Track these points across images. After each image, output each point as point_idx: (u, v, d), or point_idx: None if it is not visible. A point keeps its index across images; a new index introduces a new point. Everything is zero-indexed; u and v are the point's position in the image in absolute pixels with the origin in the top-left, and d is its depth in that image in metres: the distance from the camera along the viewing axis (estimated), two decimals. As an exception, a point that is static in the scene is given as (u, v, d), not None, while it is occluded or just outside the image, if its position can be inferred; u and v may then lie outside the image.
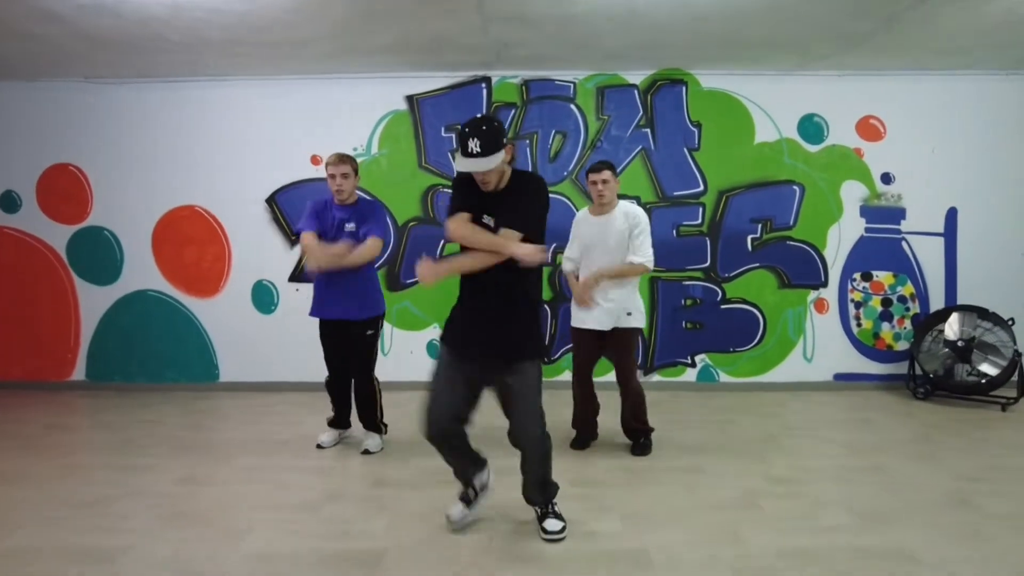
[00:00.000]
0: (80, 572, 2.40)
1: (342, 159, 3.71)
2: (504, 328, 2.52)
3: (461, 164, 2.39)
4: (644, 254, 3.65)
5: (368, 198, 3.94)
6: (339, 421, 4.06)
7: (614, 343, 3.73)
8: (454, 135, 5.40)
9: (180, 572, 2.41)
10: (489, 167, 2.36)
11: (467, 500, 2.83)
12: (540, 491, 2.78)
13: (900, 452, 3.78)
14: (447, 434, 2.62)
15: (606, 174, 3.68)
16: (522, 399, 2.57)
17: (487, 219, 2.49)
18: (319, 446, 3.94)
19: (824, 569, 2.38)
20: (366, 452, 3.83)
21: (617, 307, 3.67)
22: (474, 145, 2.34)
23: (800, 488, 3.20)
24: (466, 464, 2.79)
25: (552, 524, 2.71)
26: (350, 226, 3.70)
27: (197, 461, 3.68)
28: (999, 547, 2.54)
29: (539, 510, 2.80)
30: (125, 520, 2.86)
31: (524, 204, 2.49)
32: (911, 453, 3.75)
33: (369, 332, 3.81)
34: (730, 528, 2.73)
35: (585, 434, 3.97)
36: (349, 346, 3.81)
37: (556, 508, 2.79)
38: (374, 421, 3.93)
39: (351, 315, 3.73)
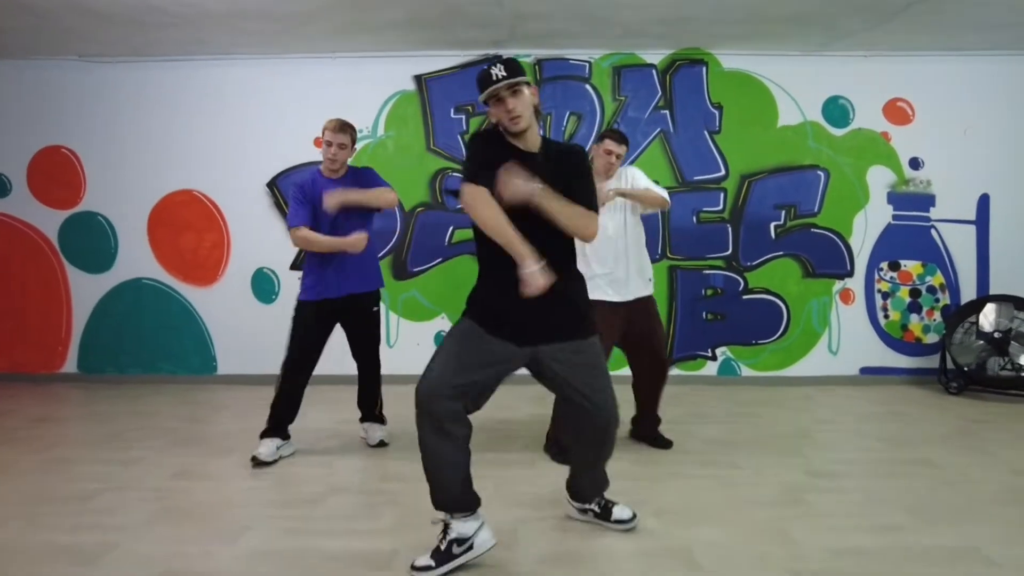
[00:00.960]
0: (67, 573, 2.15)
1: (343, 127, 3.38)
2: (566, 306, 2.24)
3: (487, 96, 2.10)
4: (661, 191, 3.44)
5: (357, 167, 3.59)
6: (281, 427, 3.40)
7: (640, 314, 3.41)
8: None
9: (169, 571, 2.16)
10: (519, 88, 2.09)
11: (438, 551, 2.18)
12: (594, 485, 2.52)
13: (945, 446, 3.53)
14: (444, 411, 2.13)
15: (624, 148, 3.43)
16: (602, 372, 2.31)
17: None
18: (257, 460, 3.24)
19: (890, 570, 2.13)
20: (382, 444, 3.57)
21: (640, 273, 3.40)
22: (498, 71, 2.09)
23: (845, 483, 2.96)
24: (451, 477, 2.21)
25: (622, 512, 2.49)
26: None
27: (191, 454, 3.44)
28: (1077, 546, 2.29)
29: (596, 504, 2.53)
30: (111, 516, 2.61)
31: (588, 183, 2.23)
32: (957, 447, 3.51)
33: (375, 308, 3.54)
34: (776, 526, 2.49)
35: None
36: (353, 328, 3.52)
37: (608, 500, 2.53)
38: (378, 412, 3.68)
39: (356, 288, 3.38)
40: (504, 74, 2.09)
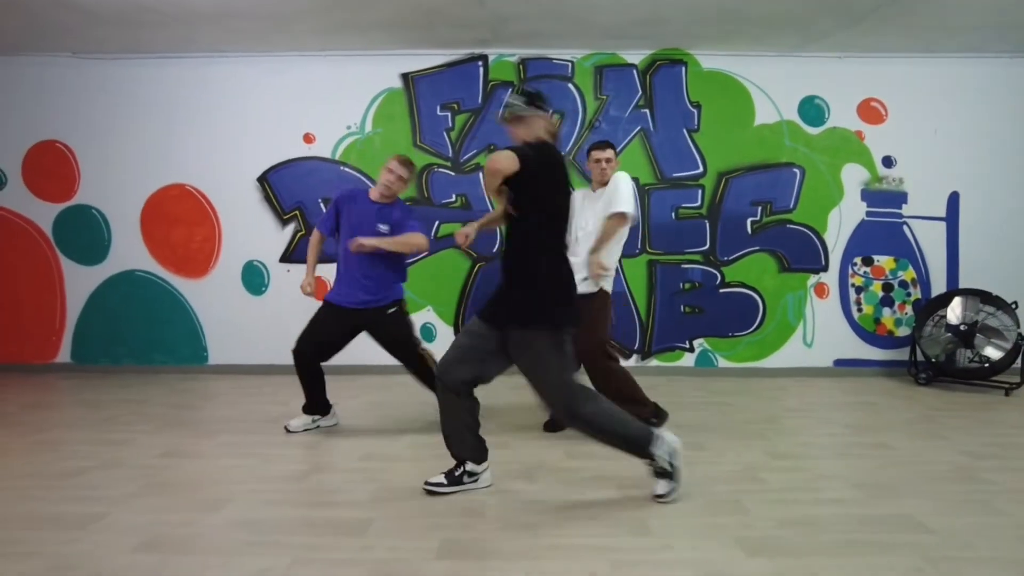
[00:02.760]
0: (49, 538, 2.28)
1: (408, 163, 3.63)
2: (510, 292, 2.60)
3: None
4: (618, 204, 3.42)
5: (405, 203, 3.76)
6: (313, 405, 3.73)
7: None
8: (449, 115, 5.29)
9: (152, 537, 2.29)
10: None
11: (451, 475, 2.72)
12: (631, 451, 2.59)
13: (904, 431, 3.68)
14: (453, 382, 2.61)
15: (609, 152, 3.61)
16: (539, 368, 2.54)
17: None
18: (287, 429, 3.67)
19: (830, 537, 2.28)
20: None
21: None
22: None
23: (802, 463, 3.10)
24: (463, 433, 2.70)
25: (658, 486, 2.60)
26: (383, 228, 3.56)
27: (179, 436, 3.57)
28: (1012, 520, 2.43)
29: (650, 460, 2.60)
30: (98, 490, 2.74)
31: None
32: (915, 432, 3.65)
33: (390, 310, 3.64)
34: (731, 498, 2.63)
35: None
36: (377, 335, 3.68)
37: (662, 462, 2.56)
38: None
39: (367, 300, 3.56)
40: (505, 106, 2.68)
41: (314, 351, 3.63)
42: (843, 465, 3.07)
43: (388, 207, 3.61)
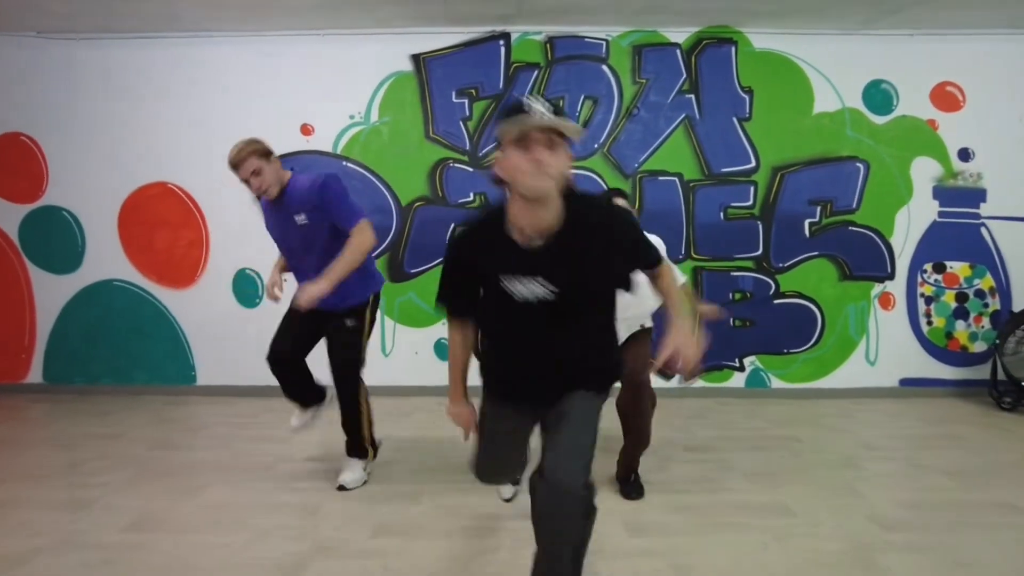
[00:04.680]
0: None
1: (240, 156, 2.82)
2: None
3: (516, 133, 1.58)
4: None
5: (300, 176, 2.99)
6: (301, 399, 3.21)
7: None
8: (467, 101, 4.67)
9: None
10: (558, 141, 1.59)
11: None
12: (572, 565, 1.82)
13: (1021, 481, 3.08)
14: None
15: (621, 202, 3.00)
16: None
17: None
18: (292, 428, 3.27)
19: None
20: (342, 488, 3.02)
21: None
22: (540, 105, 1.57)
23: (923, 539, 2.50)
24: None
25: None
26: (300, 218, 2.88)
27: (154, 494, 2.97)
28: None
29: None
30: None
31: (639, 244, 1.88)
32: (1036, 484, 3.06)
33: (349, 323, 2.99)
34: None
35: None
36: (328, 342, 3.05)
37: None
38: (359, 443, 3.11)
39: (327, 303, 2.79)
40: (545, 111, 1.56)
41: (292, 347, 3.06)
42: (977, 543, 2.47)
43: (288, 198, 2.91)
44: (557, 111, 1.58)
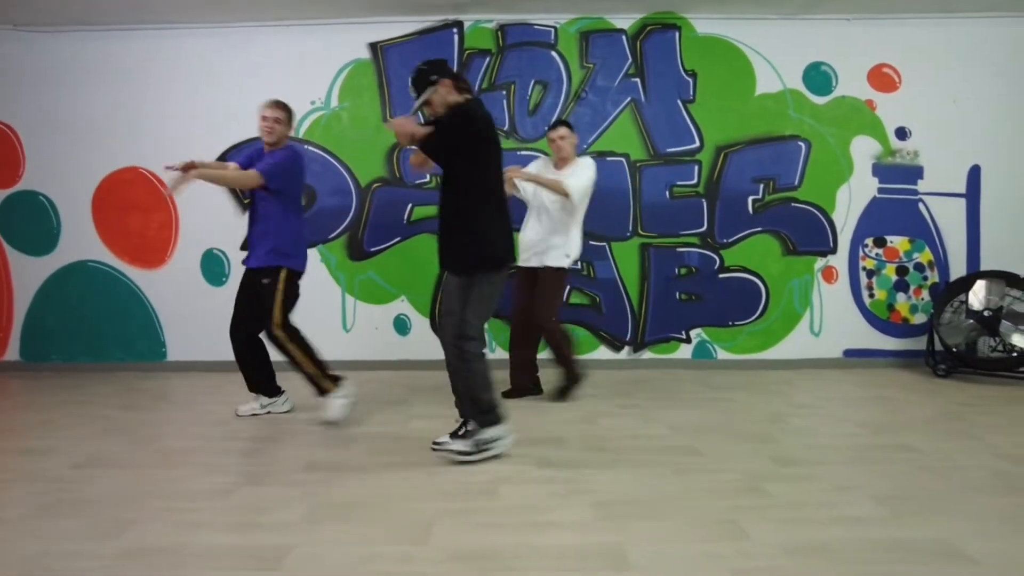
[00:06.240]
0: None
1: (279, 107, 3.55)
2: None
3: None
4: (569, 183, 3.65)
5: (288, 146, 3.60)
6: (249, 377, 3.67)
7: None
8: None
9: (28, 573, 1.90)
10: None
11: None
12: (469, 404, 2.85)
13: (928, 431, 3.26)
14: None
15: (562, 130, 3.80)
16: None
17: None
18: (236, 413, 3.65)
19: (845, 570, 1.86)
20: (328, 424, 3.42)
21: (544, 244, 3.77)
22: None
23: (814, 471, 2.68)
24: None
25: (453, 442, 2.82)
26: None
27: (111, 443, 3.16)
28: (1066, 539, 2.02)
29: (461, 426, 2.90)
30: (-5, 510, 2.34)
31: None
32: (941, 432, 3.23)
33: (264, 280, 3.46)
34: (729, 518, 2.21)
35: (519, 381, 3.95)
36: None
37: (476, 435, 2.79)
38: (314, 383, 3.48)
39: (249, 262, 3.53)
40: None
41: (236, 314, 3.61)
42: (862, 473, 2.65)
43: (269, 155, 3.49)
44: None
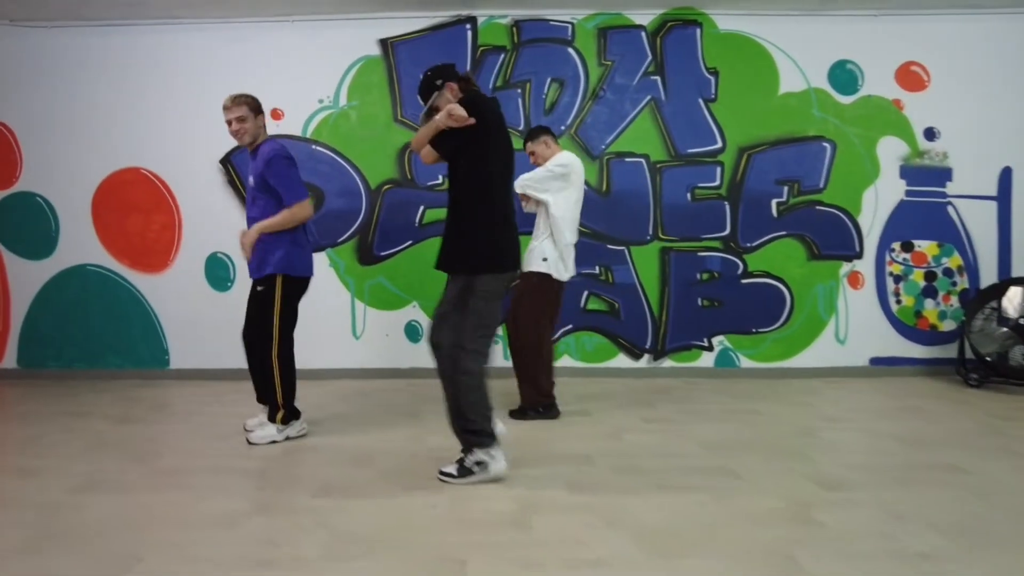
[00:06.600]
0: None
1: (237, 102, 3.18)
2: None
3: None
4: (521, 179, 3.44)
5: (270, 143, 3.25)
6: (261, 384, 3.35)
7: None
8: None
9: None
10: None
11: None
12: (454, 418, 2.65)
13: (971, 447, 3.09)
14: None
15: (528, 145, 3.67)
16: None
17: None
18: (248, 441, 3.28)
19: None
20: (249, 442, 3.23)
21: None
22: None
23: (862, 495, 2.51)
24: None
25: (448, 467, 2.66)
26: (250, 179, 3.27)
27: (106, 461, 2.99)
28: None
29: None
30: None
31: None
32: (985, 449, 3.07)
33: (259, 288, 3.23)
34: (784, 552, 2.04)
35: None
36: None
37: (469, 455, 2.63)
38: (273, 402, 3.26)
39: (250, 271, 3.29)
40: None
41: (247, 320, 3.34)
42: (912, 497, 2.48)
43: (254, 157, 3.23)
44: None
